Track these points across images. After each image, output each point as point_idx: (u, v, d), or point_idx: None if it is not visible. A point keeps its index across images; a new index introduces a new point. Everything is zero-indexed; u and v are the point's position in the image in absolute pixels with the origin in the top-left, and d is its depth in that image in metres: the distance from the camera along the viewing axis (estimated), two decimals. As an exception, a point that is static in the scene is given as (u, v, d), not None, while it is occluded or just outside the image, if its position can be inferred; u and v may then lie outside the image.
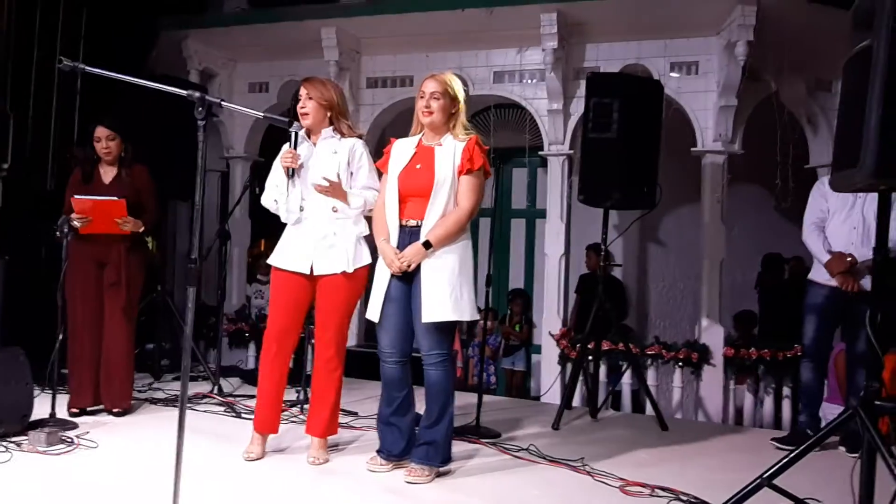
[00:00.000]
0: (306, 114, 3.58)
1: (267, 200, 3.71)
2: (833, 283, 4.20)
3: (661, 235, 7.77)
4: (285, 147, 3.61)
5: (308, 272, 3.56)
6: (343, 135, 3.63)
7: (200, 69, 7.18)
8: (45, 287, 4.58)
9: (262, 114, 2.61)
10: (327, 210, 3.55)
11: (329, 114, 3.61)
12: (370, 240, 3.56)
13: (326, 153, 3.60)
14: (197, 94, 2.21)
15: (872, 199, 4.15)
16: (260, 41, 7.03)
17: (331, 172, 3.52)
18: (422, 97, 3.40)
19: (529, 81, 6.57)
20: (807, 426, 4.30)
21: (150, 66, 6.85)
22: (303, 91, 3.61)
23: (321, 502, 3.10)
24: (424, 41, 6.64)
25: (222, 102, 2.25)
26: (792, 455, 2.63)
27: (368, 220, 3.63)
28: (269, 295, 3.75)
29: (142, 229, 4.36)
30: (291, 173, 3.54)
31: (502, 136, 7.23)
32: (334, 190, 3.50)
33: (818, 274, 4.33)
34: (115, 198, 4.24)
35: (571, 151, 6.38)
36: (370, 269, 3.61)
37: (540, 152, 6.63)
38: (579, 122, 6.23)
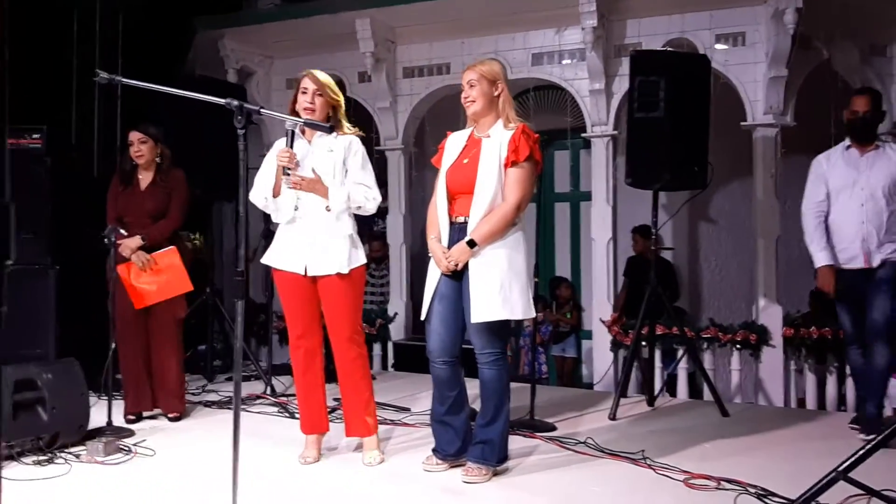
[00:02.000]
0: (313, 110, 3.43)
1: (257, 197, 3.56)
2: (852, 265, 4.04)
3: (712, 213, 7.55)
4: (280, 143, 3.47)
5: (303, 272, 3.48)
6: (339, 132, 3.51)
7: (238, 68, 7.17)
8: (96, 294, 4.62)
9: (302, 119, 2.54)
10: (321, 210, 3.45)
11: (331, 112, 3.51)
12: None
13: (322, 151, 3.49)
14: (235, 103, 2.15)
15: (877, 170, 4.03)
16: (295, 36, 6.98)
17: (326, 172, 3.43)
18: (463, 89, 3.34)
19: (569, 62, 6.42)
20: (872, 414, 4.08)
21: (189, 68, 6.87)
22: (310, 85, 3.45)
23: (379, 506, 3.06)
24: (459, 27, 6.52)
25: (261, 110, 2.19)
26: (868, 447, 2.50)
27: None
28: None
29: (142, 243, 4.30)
30: (287, 172, 3.38)
31: (543, 119, 7.07)
32: (310, 185, 3.39)
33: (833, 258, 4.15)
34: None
35: (616, 132, 6.22)
36: (367, 268, 3.55)
37: (583, 134, 6.48)
38: (622, 101, 6.06)
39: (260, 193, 3.55)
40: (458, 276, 3.28)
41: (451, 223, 3.30)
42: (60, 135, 5.66)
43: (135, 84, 2.37)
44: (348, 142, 3.52)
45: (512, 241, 3.25)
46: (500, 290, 3.18)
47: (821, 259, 4.09)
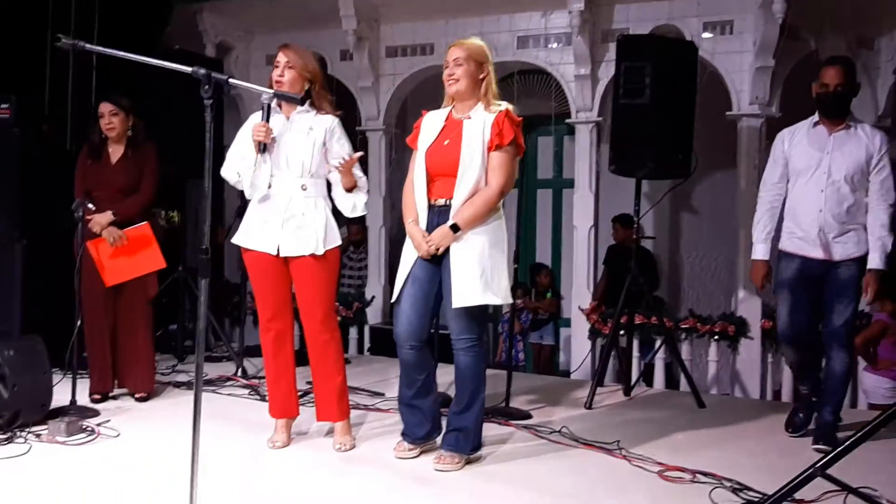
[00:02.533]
0: (282, 83, 3.31)
1: (228, 172, 3.46)
2: (810, 254, 3.65)
3: (694, 203, 7.52)
4: (255, 117, 3.37)
5: (275, 253, 3.37)
6: (318, 111, 3.40)
7: (217, 42, 7.04)
8: (63, 270, 4.49)
9: (273, 91, 2.44)
10: (296, 188, 3.35)
11: (308, 86, 3.38)
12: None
13: (301, 129, 3.37)
14: (202, 72, 2.05)
15: (844, 153, 3.59)
16: (276, 12, 6.83)
17: (305, 150, 3.33)
18: (447, 66, 3.21)
19: (555, 46, 6.33)
20: (829, 422, 3.66)
21: (166, 42, 6.70)
22: (281, 58, 3.34)
23: (349, 494, 2.98)
24: (444, 7, 6.41)
25: (229, 80, 2.09)
26: (848, 443, 2.45)
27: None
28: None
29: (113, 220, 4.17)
30: (263, 148, 3.29)
31: (527, 104, 6.98)
32: (349, 165, 3.31)
33: (789, 243, 3.76)
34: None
35: (600, 118, 6.16)
36: (342, 250, 3.46)
37: (567, 120, 6.42)
38: (608, 87, 5.99)
39: (232, 169, 3.45)
40: (436, 261, 3.19)
41: (430, 206, 3.21)
42: (32, 105, 5.52)
43: (99, 50, 2.26)
44: (329, 123, 3.41)
45: (493, 227, 3.18)
46: (481, 275, 3.10)
47: (757, 252, 3.83)
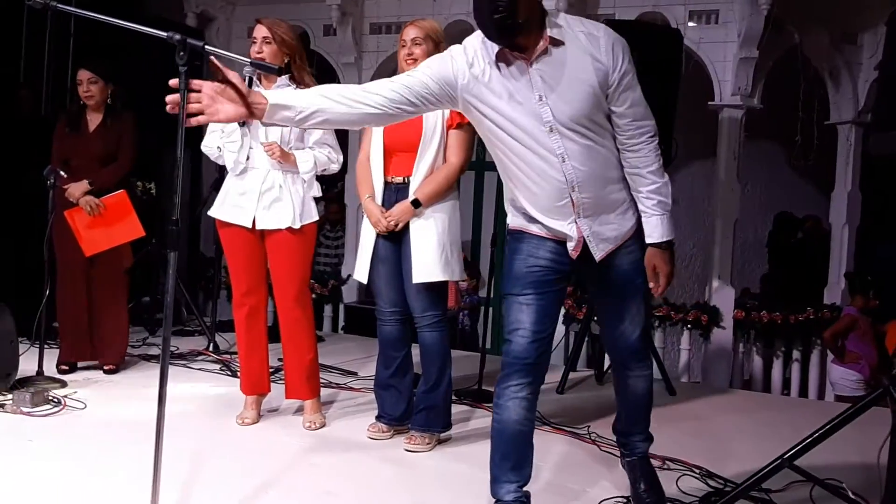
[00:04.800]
0: (262, 58, 3.26)
1: (210, 146, 3.44)
2: None
3: (672, 192, 7.55)
4: None
5: (250, 226, 3.34)
6: (299, 84, 3.34)
7: (198, 12, 6.90)
8: (32, 238, 4.41)
9: (249, 60, 2.39)
10: (274, 161, 3.31)
11: (287, 60, 3.33)
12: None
13: None
14: (178, 37, 1.99)
15: None
16: (259, -18, 6.72)
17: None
18: (403, 45, 3.19)
19: (540, 29, 6.27)
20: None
21: (147, 8, 6.57)
22: (259, 31, 3.29)
23: (317, 473, 2.96)
24: (430, -16, 6.33)
25: (205, 47, 2.03)
26: (816, 435, 2.47)
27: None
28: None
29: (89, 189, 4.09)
30: (243, 121, 3.23)
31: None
32: (284, 156, 3.27)
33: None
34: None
35: (581, 104, 6.12)
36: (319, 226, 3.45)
37: (549, 104, 6.38)
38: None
39: (214, 143, 3.41)
40: (395, 237, 3.20)
41: (387, 183, 3.21)
42: (6, 71, 5.39)
43: (70, 10, 2.20)
44: None
45: (450, 206, 3.21)
46: (441, 251, 3.14)
47: None
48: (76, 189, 4.05)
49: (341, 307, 6.73)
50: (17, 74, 5.66)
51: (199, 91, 1.98)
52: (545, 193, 2.28)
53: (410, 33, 3.17)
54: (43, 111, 5.63)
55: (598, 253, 2.36)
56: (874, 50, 5.89)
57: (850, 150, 6.04)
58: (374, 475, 2.96)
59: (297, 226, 3.32)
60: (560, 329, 6.09)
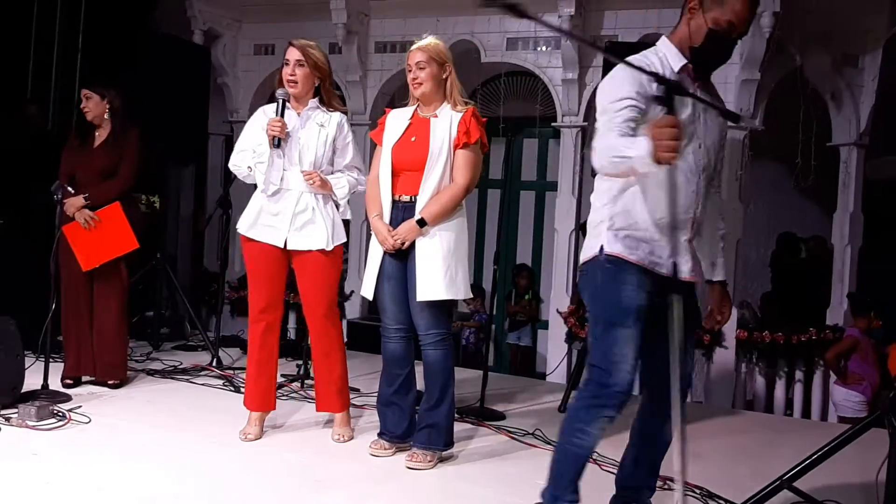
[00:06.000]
0: (295, 82, 3.36)
1: (239, 165, 3.49)
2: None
3: (675, 212, 7.57)
4: (263, 112, 3.43)
5: (282, 245, 3.40)
6: (328, 107, 3.43)
7: (205, 29, 6.96)
8: (39, 252, 4.45)
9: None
10: (307, 184, 3.37)
11: (318, 83, 3.41)
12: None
13: (313, 125, 3.42)
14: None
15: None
16: (266, 1, 6.79)
17: (316, 146, 3.37)
18: (409, 70, 3.24)
19: (544, 49, 6.33)
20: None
21: (154, 26, 6.65)
22: (293, 54, 3.37)
23: (319, 489, 2.98)
24: (435, 4, 6.38)
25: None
26: (815, 457, 2.49)
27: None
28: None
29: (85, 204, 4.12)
30: (277, 143, 3.33)
31: (513, 106, 7.01)
32: (323, 185, 3.36)
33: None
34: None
35: (585, 123, 6.17)
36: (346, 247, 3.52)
37: (552, 123, 6.43)
38: (594, 93, 6.00)
39: (243, 163, 3.47)
40: (402, 255, 3.23)
41: (395, 202, 3.25)
42: (14, 87, 5.45)
43: None
44: (339, 120, 3.46)
45: (457, 224, 3.24)
46: (446, 270, 3.17)
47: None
48: (73, 203, 4.10)
49: (344, 323, 6.74)
50: (25, 91, 5.73)
51: None
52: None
53: (414, 57, 3.23)
54: (50, 125, 5.70)
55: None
56: (875, 72, 5.92)
57: (850, 171, 6.06)
58: (375, 492, 2.97)
59: (329, 247, 3.39)
60: (563, 347, 6.11)
